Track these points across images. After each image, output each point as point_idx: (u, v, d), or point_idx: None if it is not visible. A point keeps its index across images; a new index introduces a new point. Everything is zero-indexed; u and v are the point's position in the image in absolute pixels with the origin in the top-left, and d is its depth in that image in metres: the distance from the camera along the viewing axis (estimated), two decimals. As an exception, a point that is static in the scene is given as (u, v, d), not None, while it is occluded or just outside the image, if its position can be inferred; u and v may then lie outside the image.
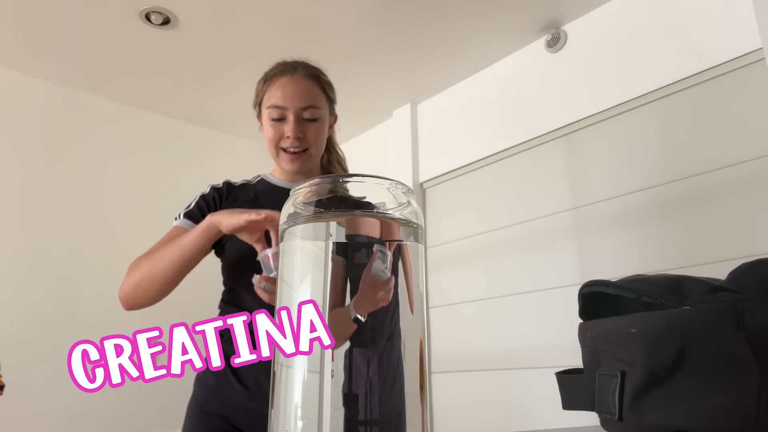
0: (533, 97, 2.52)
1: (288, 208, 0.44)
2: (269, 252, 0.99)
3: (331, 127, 1.33)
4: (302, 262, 0.43)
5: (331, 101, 1.28)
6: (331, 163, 1.36)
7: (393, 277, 0.40)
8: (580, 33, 2.39)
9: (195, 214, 1.21)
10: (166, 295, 1.13)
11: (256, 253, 1.03)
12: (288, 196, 0.45)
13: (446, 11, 2.32)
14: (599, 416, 0.62)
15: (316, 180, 0.44)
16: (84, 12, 2.27)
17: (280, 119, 1.20)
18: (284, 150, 1.22)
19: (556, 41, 2.43)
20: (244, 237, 1.04)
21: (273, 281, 0.99)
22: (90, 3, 2.22)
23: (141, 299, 1.12)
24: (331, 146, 1.36)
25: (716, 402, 0.51)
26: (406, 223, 0.43)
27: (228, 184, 1.30)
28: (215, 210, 1.21)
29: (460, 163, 2.78)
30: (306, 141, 1.21)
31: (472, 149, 2.73)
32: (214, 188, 1.28)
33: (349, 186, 0.45)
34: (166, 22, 2.33)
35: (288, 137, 1.20)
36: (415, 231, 0.44)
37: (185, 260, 1.09)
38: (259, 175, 1.35)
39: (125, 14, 2.29)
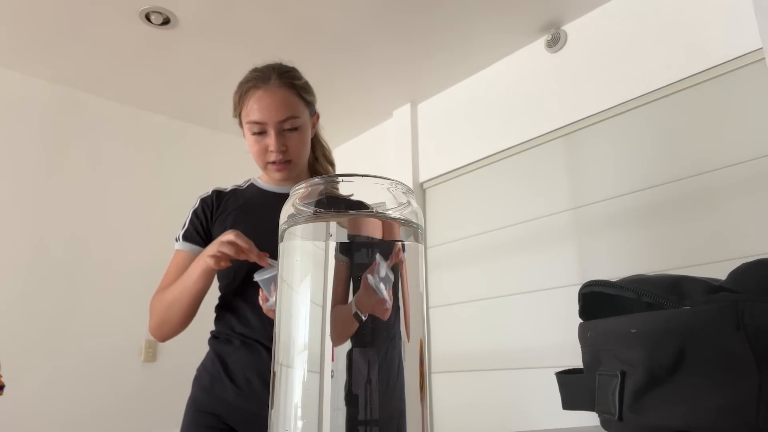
0: (533, 97, 2.52)
1: (288, 208, 0.44)
2: (266, 274, 1.02)
3: (314, 127, 1.32)
4: (302, 262, 0.43)
5: (309, 104, 1.27)
6: (317, 160, 1.37)
7: (384, 298, 0.40)
8: (580, 33, 2.39)
9: (191, 234, 1.25)
10: (189, 323, 1.21)
11: (243, 263, 1.09)
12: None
13: (446, 11, 2.32)
14: (599, 416, 0.62)
15: (316, 180, 0.44)
16: (84, 12, 2.27)
17: (261, 133, 1.20)
18: (270, 162, 1.23)
19: (556, 41, 2.43)
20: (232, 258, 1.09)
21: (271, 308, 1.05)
22: (90, 3, 2.22)
23: (168, 334, 1.22)
24: (316, 142, 1.36)
25: (716, 402, 0.51)
26: (406, 223, 0.43)
27: (217, 193, 1.30)
28: (208, 224, 1.26)
29: (460, 163, 2.78)
30: (289, 152, 1.22)
31: (471, 149, 2.73)
32: (203, 201, 1.29)
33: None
34: (166, 22, 2.33)
35: (271, 151, 1.20)
36: (415, 231, 0.44)
37: (193, 299, 1.16)
38: (249, 179, 1.35)
39: (125, 14, 2.29)
